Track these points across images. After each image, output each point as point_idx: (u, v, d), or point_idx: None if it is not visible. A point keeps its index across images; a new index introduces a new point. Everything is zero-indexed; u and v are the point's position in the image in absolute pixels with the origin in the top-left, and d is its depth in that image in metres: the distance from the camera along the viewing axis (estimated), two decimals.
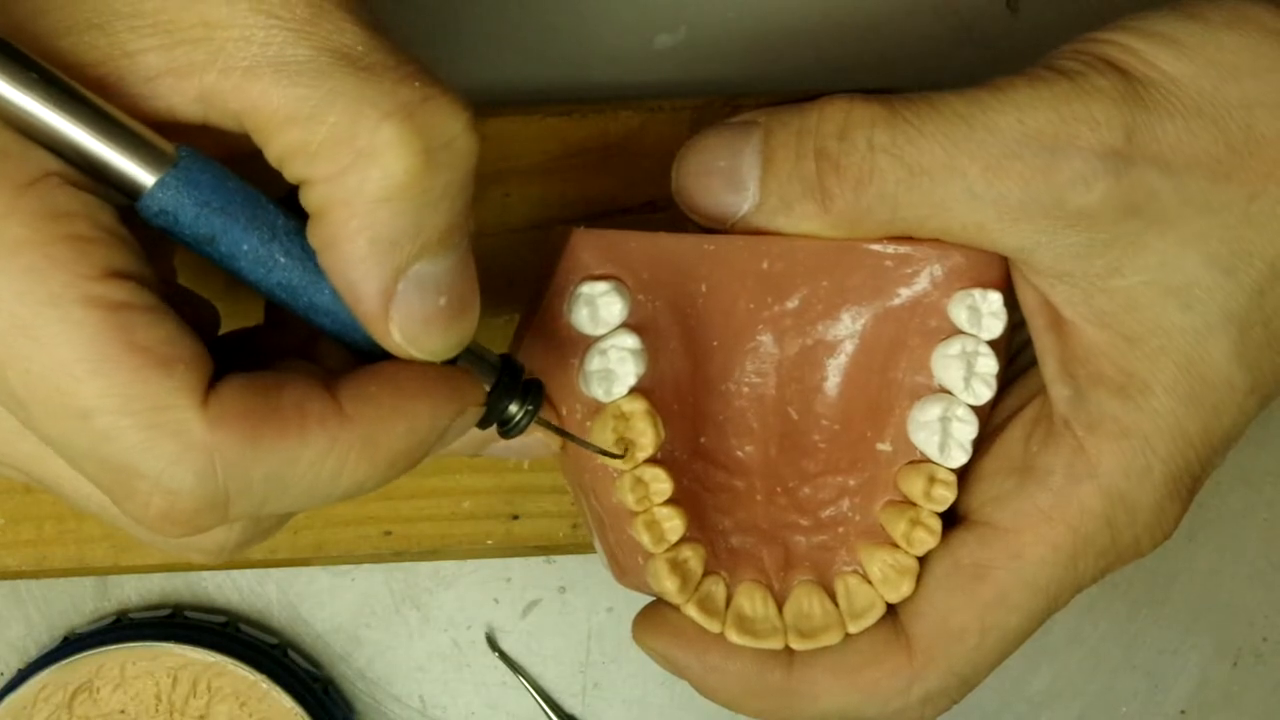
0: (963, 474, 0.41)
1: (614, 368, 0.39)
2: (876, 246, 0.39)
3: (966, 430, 0.40)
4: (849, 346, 0.41)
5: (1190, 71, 0.37)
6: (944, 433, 0.40)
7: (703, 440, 0.41)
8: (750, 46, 0.51)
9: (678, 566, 0.40)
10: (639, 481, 0.40)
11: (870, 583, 0.41)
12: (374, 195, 0.31)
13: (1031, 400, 0.41)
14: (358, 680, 0.53)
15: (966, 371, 0.39)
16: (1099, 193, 0.37)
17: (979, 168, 0.37)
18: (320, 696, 0.51)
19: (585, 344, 0.39)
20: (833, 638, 0.40)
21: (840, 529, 0.41)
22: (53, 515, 0.48)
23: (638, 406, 0.39)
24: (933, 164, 0.37)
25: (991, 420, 0.42)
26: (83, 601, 0.52)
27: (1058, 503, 0.39)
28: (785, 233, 0.39)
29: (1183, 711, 0.55)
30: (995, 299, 0.39)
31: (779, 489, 0.42)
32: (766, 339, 0.41)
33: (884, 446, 0.41)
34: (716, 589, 0.41)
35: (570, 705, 0.54)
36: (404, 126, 0.31)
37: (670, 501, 0.40)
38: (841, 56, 0.51)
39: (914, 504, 0.40)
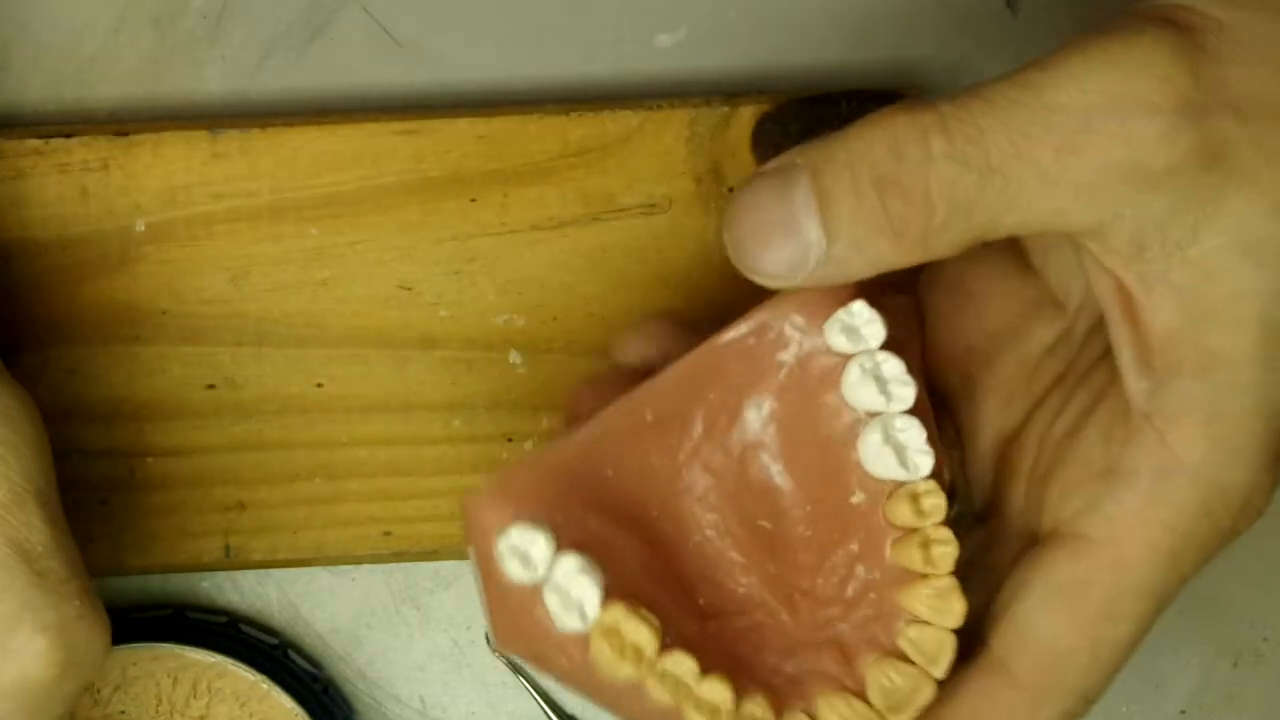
0: (1007, 487, 0.39)
1: (574, 594, 0.37)
2: (728, 335, 0.38)
3: (915, 435, 0.38)
4: (771, 434, 0.39)
5: (1244, 17, 0.35)
6: (896, 449, 0.38)
7: (702, 601, 0.40)
8: (750, 46, 0.51)
9: None
10: (664, 675, 0.38)
11: (928, 623, 0.39)
12: (5, 690, 0.36)
13: (1101, 400, 0.39)
14: (358, 680, 0.53)
15: (878, 386, 0.38)
16: (1183, 147, 0.34)
17: (1051, 151, 0.34)
18: (320, 697, 0.51)
19: (539, 590, 0.37)
20: (925, 696, 0.39)
21: (871, 595, 0.40)
22: None
23: (617, 613, 0.37)
24: (1001, 160, 0.35)
25: (1055, 426, 0.40)
26: None
27: (1150, 503, 0.37)
28: (860, 277, 0.37)
29: (1183, 711, 0.55)
30: (859, 307, 0.38)
31: (796, 595, 0.40)
32: (696, 476, 0.40)
33: (858, 498, 0.39)
34: None
35: (570, 705, 0.54)
36: (55, 644, 0.36)
37: (705, 674, 0.38)
38: (841, 56, 0.51)
39: (914, 529, 0.39)
